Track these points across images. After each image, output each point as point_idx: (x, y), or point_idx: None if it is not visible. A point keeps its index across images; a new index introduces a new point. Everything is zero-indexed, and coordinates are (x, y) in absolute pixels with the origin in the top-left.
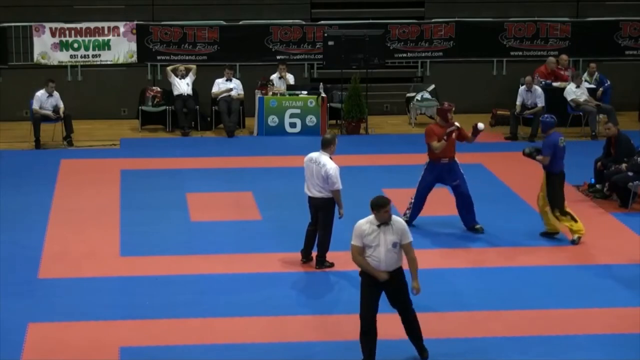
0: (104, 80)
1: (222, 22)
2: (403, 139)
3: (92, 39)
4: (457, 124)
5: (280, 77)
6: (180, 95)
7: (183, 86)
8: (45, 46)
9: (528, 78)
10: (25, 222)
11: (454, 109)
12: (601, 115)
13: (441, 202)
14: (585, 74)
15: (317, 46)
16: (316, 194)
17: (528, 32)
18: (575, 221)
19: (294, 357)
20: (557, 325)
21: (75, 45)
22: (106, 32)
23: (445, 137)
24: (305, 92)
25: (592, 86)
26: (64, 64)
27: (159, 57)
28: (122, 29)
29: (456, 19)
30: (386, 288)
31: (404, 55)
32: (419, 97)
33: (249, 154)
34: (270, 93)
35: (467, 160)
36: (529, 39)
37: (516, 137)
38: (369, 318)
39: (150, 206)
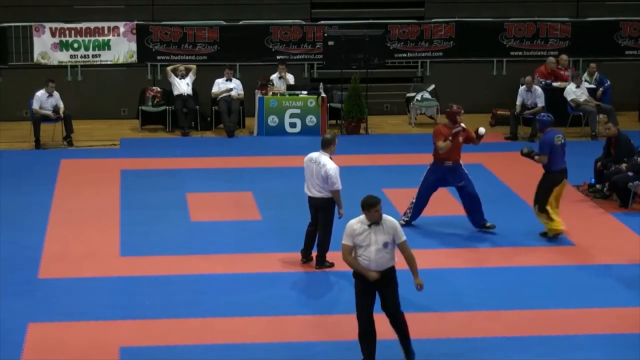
0: (104, 80)
1: (222, 22)
2: (403, 139)
3: (92, 39)
4: (463, 125)
5: (280, 77)
6: (180, 95)
7: (183, 86)
8: (45, 46)
9: (528, 78)
10: (25, 222)
11: (462, 111)
12: (601, 115)
13: (441, 202)
14: (585, 74)
15: (317, 46)
16: (316, 194)
17: (528, 32)
18: (552, 220)
19: (294, 357)
20: (557, 325)
21: (75, 45)
22: (106, 32)
23: (450, 138)
24: (305, 92)
25: (592, 86)
26: (64, 64)
27: (159, 57)
28: (122, 29)
29: (456, 19)
30: (377, 288)
31: (404, 55)
32: (419, 97)
33: (249, 154)
34: (270, 93)
35: (467, 160)
36: (529, 39)
37: (516, 137)
38: (365, 319)
39: (150, 206)
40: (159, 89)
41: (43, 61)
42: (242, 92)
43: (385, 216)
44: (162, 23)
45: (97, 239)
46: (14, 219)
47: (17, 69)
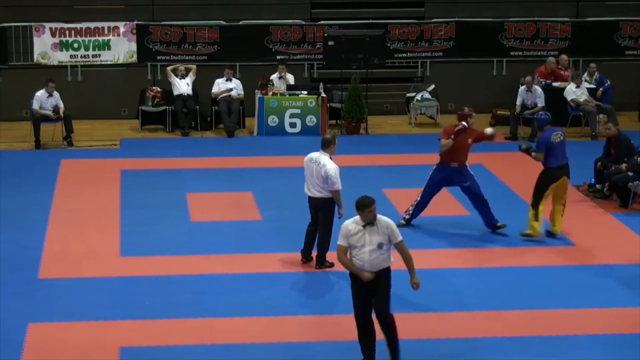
0: (104, 80)
1: (222, 22)
2: (403, 139)
3: (92, 39)
4: (464, 123)
5: (280, 77)
6: (180, 95)
7: (183, 86)
8: (45, 46)
9: (528, 78)
10: (25, 222)
11: (474, 114)
12: (601, 115)
13: (442, 202)
14: (585, 74)
15: (317, 46)
16: (316, 194)
17: (528, 32)
18: (536, 220)
19: (294, 357)
20: (557, 325)
21: (75, 45)
22: (106, 32)
23: (452, 136)
24: (305, 92)
25: (592, 86)
26: (64, 64)
27: (159, 57)
28: (122, 29)
29: (456, 19)
30: (371, 288)
31: (404, 55)
32: (419, 97)
33: (249, 154)
34: (270, 93)
35: (467, 160)
36: (529, 39)
37: (516, 137)
38: (362, 319)
39: (150, 206)
40: (159, 89)
41: (43, 61)
42: (242, 92)
43: (380, 217)
44: (162, 23)
45: (97, 239)
46: (14, 219)
47: (17, 69)
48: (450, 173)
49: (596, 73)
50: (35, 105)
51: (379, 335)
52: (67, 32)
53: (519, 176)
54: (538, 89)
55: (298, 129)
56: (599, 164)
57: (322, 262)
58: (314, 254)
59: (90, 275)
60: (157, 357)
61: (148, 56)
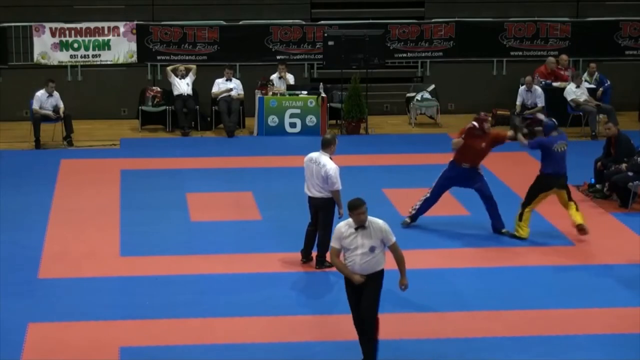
0: (104, 80)
1: (222, 22)
2: (403, 139)
3: (92, 39)
4: (474, 123)
5: (280, 77)
6: (180, 95)
7: (183, 86)
8: (45, 46)
9: (528, 78)
10: (25, 222)
11: (489, 118)
12: (601, 115)
13: (442, 202)
14: (585, 74)
15: (317, 46)
16: (316, 194)
17: (528, 32)
18: (520, 220)
19: (294, 357)
20: (557, 325)
21: (75, 45)
22: (106, 32)
23: (462, 135)
24: (305, 92)
25: (592, 86)
26: (64, 64)
27: (159, 57)
28: (122, 29)
29: (456, 19)
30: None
31: (404, 55)
32: (419, 97)
33: (249, 154)
34: (270, 93)
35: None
36: (529, 39)
37: (516, 138)
38: (357, 320)
39: (150, 206)
40: (159, 89)
41: (43, 61)
42: (242, 92)
43: (373, 219)
44: (162, 23)
45: (97, 239)
46: (14, 219)
47: (17, 69)
48: (460, 173)
49: (596, 73)
50: (35, 105)
51: (379, 335)
52: (67, 32)
53: (519, 176)
54: (538, 89)
55: (298, 129)
56: (599, 164)
57: (322, 262)
58: (314, 254)
59: (90, 275)
60: (157, 357)
61: (148, 56)
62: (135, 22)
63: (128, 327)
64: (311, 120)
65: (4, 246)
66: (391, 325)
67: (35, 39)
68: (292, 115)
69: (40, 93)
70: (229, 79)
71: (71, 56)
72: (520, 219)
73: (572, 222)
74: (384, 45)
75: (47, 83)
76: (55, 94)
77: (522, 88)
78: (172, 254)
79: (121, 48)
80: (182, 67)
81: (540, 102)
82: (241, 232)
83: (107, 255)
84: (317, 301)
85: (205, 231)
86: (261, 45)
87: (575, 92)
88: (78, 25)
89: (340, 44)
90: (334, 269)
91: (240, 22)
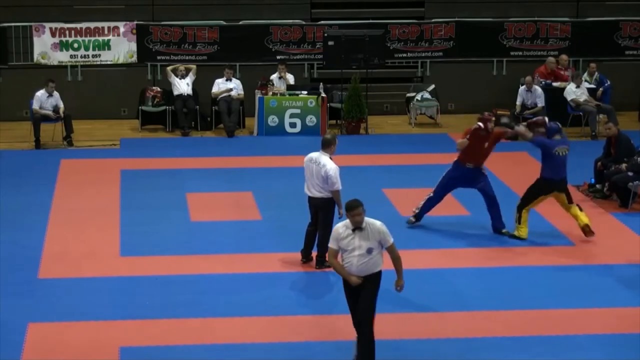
0: (104, 80)
1: (222, 22)
2: (403, 139)
3: (92, 39)
4: (480, 124)
5: (280, 77)
6: (180, 95)
7: (183, 86)
8: (45, 46)
9: (528, 78)
10: (25, 222)
11: (493, 118)
12: (601, 115)
13: (443, 202)
14: (585, 74)
15: (317, 46)
16: (316, 194)
17: (528, 32)
18: (519, 223)
19: (294, 357)
20: (557, 325)
21: (75, 45)
22: (106, 32)
23: (467, 136)
24: (305, 92)
25: (592, 86)
26: (64, 64)
27: (159, 57)
28: (122, 29)
29: (456, 19)
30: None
31: (404, 55)
32: (419, 97)
33: (249, 154)
34: (270, 93)
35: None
36: (529, 39)
37: (516, 137)
38: (354, 319)
39: (150, 206)
40: (159, 89)
41: (43, 61)
42: (242, 92)
43: (370, 221)
44: (162, 23)
45: (97, 239)
46: (14, 219)
47: (17, 69)
48: (464, 173)
49: (596, 73)
50: (35, 105)
51: (379, 335)
52: (67, 32)
53: (519, 176)
54: (538, 89)
55: (298, 129)
56: (599, 164)
57: (322, 262)
58: (314, 254)
59: (90, 275)
60: (157, 357)
61: (148, 56)
62: (135, 22)
63: (128, 327)
64: (311, 120)
65: (4, 246)
66: (391, 325)
67: (35, 39)
68: (292, 115)
69: (40, 93)
70: (229, 79)
71: (71, 56)
72: (518, 222)
73: (578, 223)
74: (384, 45)
75: (47, 83)
76: (55, 94)
77: (522, 88)
78: (172, 254)
79: (121, 48)
80: (182, 67)
81: (540, 102)
82: (241, 232)
83: (107, 255)
84: (317, 301)
85: (205, 231)
86: (261, 45)
87: (575, 92)
88: (78, 25)
89: (340, 44)
90: (333, 269)
91: (240, 22)
